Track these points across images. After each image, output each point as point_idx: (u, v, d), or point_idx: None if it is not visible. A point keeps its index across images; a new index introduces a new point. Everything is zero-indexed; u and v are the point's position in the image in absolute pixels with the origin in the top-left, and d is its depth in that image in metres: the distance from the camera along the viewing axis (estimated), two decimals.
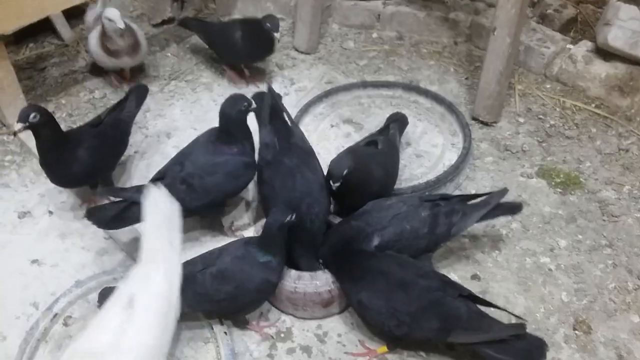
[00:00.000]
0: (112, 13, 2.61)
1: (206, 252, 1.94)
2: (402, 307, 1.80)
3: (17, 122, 2.01)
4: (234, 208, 2.37)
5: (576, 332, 2.00)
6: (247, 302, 1.91)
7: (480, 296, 2.05)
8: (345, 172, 1.93)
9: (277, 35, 2.71)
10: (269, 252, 1.85)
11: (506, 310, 1.91)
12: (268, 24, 2.69)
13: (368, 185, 2.09)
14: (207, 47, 3.06)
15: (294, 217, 1.84)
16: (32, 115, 1.99)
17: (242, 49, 2.82)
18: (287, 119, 2.28)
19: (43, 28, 3.18)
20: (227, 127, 2.12)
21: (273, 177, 2.13)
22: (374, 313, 1.85)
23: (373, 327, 1.96)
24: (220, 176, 2.10)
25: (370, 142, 2.32)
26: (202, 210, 2.17)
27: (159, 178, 2.10)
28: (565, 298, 2.09)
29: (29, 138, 2.46)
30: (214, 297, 1.84)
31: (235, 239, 2.15)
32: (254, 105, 2.12)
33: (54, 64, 3.10)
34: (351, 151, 2.19)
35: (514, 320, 1.96)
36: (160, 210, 1.75)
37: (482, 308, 1.85)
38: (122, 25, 2.61)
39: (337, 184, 1.95)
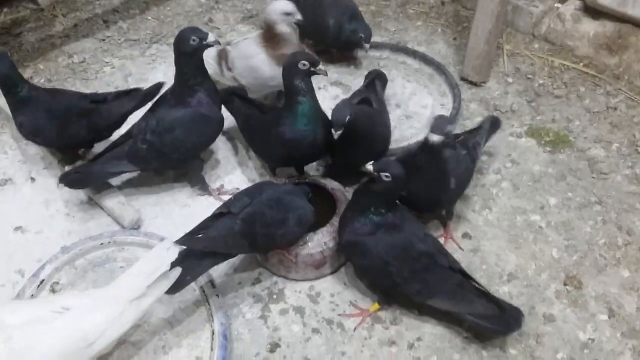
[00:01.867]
0: (287, 5, 2.23)
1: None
2: (396, 265, 1.79)
3: None
4: (222, 170, 2.34)
5: (567, 287, 2.01)
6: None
7: (472, 254, 2.08)
8: (347, 118, 1.88)
9: (367, 46, 2.58)
10: None
11: (491, 295, 1.85)
12: (361, 35, 2.56)
13: (371, 139, 2.03)
14: (190, 9, 2.97)
15: None
16: None
17: (333, 36, 2.61)
18: None
19: None
20: (181, 70, 2.01)
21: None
22: (368, 260, 1.82)
23: (360, 275, 1.96)
24: (179, 132, 2.04)
25: (363, 100, 2.25)
26: (171, 167, 2.19)
27: (128, 135, 2.10)
28: (555, 254, 2.10)
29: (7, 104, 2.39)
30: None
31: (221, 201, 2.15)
32: (211, 39, 1.95)
33: (30, 29, 3.00)
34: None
35: (505, 278, 1.98)
36: (156, 268, 1.64)
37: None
38: (300, 17, 2.26)
39: (339, 132, 1.89)
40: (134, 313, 1.61)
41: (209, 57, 2.45)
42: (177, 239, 1.73)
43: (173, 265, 1.68)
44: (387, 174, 1.71)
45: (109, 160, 2.08)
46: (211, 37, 1.95)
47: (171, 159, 2.10)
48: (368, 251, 1.80)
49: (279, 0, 2.25)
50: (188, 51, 1.95)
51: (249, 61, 2.32)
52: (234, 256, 1.91)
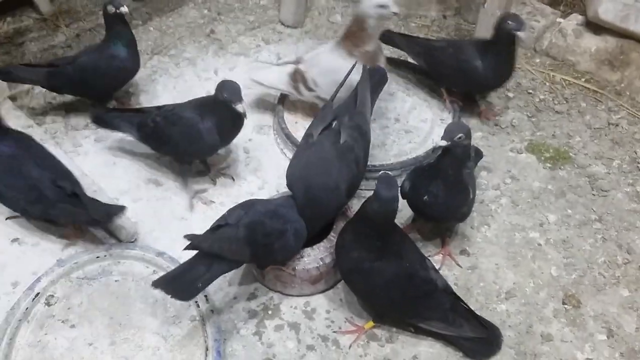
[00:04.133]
0: None
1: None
2: (398, 293, 1.79)
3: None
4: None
5: (565, 306, 1.99)
6: None
7: (469, 271, 2.06)
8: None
9: (522, 35, 2.26)
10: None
11: (478, 317, 1.86)
12: (510, 22, 2.26)
13: (319, 209, 1.91)
14: (191, 20, 2.96)
15: None
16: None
17: (482, 77, 2.42)
18: None
19: (21, 2, 3.08)
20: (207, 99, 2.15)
21: None
22: (371, 287, 1.80)
23: (356, 293, 1.92)
24: (178, 130, 2.14)
25: (329, 125, 2.02)
26: (164, 153, 2.34)
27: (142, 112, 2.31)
28: (554, 272, 2.08)
29: (8, 114, 2.39)
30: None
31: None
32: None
33: (33, 39, 3.00)
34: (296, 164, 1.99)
35: (502, 296, 1.97)
36: None
37: None
38: (397, 10, 2.16)
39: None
40: None
41: (280, 82, 2.41)
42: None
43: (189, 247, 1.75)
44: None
45: (125, 119, 2.28)
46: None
47: (164, 148, 2.26)
48: (372, 279, 1.77)
49: None
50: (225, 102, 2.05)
51: (335, 77, 2.20)
52: (239, 265, 1.89)
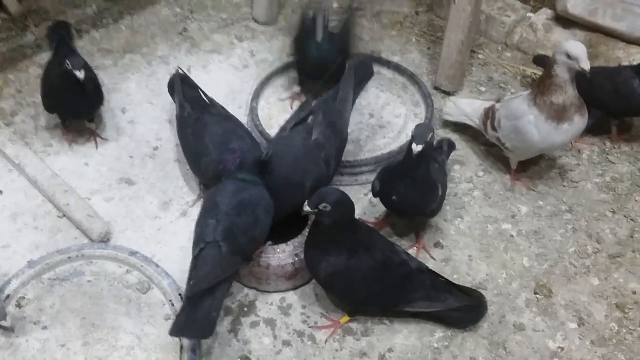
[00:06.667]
0: (575, 47, 1.94)
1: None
2: (378, 283, 1.80)
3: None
4: None
5: (537, 296, 2.02)
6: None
7: (443, 263, 2.08)
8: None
9: None
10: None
11: (458, 286, 1.90)
12: None
13: (281, 204, 1.91)
14: (164, 19, 2.93)
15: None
16: None
17: None
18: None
19: None
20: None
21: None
22: (352, 286, 1.80)
23: (338, 296, 1.93)
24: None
25: (303, 121, 2.07)
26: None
27: None
28: (526, 263, 2.11)
29: None
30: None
31: None
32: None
33: (1, 39, 2.94)
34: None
35: (476, 287, 2.00)
36: None
37: None
38: (587, 66, 1.93)
39: None
40: None
41: (474, 114, 2.34)
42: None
43: (183, 308, 1.69)
44: (324, 204, 1.65)
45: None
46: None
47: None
48: (350, 279, 1.78)
49: (573, 40, 2.08)
50: None
51: (515, 123, 2.13)
52: (239, 272, 1.88)
